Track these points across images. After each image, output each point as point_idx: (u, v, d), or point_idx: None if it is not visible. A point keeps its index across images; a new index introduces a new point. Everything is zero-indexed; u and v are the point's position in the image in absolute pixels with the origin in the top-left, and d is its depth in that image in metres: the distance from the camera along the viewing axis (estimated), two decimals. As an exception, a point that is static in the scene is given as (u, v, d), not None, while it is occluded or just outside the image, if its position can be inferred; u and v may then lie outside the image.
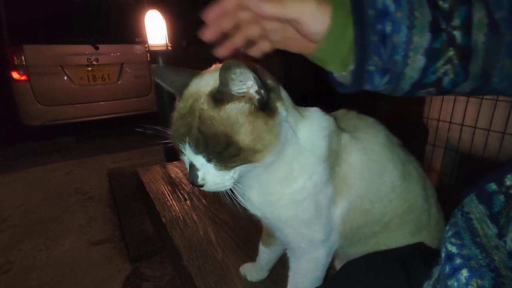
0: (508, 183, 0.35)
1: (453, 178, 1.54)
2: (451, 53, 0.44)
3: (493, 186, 0.37)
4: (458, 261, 0.36)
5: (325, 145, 0.55)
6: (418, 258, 0.54)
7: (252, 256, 0.87)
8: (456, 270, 0.35)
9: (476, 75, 0.45)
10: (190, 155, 0.49)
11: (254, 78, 0.45)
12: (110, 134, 3.83)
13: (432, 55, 0.44)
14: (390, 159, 0.62)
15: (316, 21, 0.45)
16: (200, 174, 0.49)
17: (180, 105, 0.51)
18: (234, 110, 0.46)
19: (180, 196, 1.35)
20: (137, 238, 1.71)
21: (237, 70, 0.43)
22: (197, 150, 0.47)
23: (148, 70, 3.77)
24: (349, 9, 0.44)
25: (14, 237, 1.82)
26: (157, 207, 1.24)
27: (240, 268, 0.86)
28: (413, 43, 0.44)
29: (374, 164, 0.60)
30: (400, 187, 0.62)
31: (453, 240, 0.39)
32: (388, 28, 0.44)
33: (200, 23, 0.51)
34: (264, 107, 0.47)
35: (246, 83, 0.45)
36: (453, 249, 0.37)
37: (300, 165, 0.54)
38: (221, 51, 0.53)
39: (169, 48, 2.07)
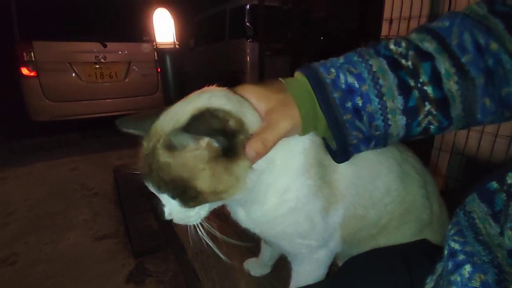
0: (509, 181, 0.35)
1: (458, 182, 1.53)
2: (427, 107, 0.46)
3: (494, 184, 0.37)
4: (461, 257, 0.36)
5: (302, 159, 0.53)
6: (421, 254, 0.55)
7: (255, 252, 0.87)
8: (459, 266, 0.35)
9: (459, 117, 0.47)
10: (155, 192, 0.50)
11: (210, 134, 0.44)
12: (116, 131, 3.82)
13: (410, 112, 0.46)
14: (384, 162, 0.61)
15: (296, 130, 0.49)
16: (166, 210, 0.50)
17: (144, 144, 0.50)
18: (192, 156, 0.45)
19: (185, 192, 1.36)
20: (141, 234, 1.72)
21: (176, 140, 0.44)
22: (159, 190, 0.48)
23: (155, 68, 3.80)
24: (314, 99, 0.48)
25: (20, 230, 1.85)
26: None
27: (244, 263, 0.87)
28: (388, 107, 0.46)
29: (365, 170, 0.59)
30: (397, 190, 0.61)
31: (455, 238, 0.39)
32: (359, 102, 0.46)
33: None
34: (227, 153, 0.46)
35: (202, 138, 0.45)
36: (456, 246, 0.38)
37: (278, 184, 0.53)
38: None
39: (177, 46, 2.08)
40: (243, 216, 0.59)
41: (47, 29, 3.32)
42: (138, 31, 3.69)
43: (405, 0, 1.58)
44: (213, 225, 1.10)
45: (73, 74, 3.40)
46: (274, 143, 0.46)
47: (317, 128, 0.50)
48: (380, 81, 0.46)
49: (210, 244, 0.57)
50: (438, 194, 0.70)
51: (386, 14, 1.68)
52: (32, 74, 3.19)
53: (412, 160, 0.66)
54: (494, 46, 0.43)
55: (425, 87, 0.45)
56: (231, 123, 0.46)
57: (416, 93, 0.46)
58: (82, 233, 1.82)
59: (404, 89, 0.46)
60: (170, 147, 0.45)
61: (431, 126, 0.48)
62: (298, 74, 0.51)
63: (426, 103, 0.46)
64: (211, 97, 0.49)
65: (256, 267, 0.84)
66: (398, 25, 1.62)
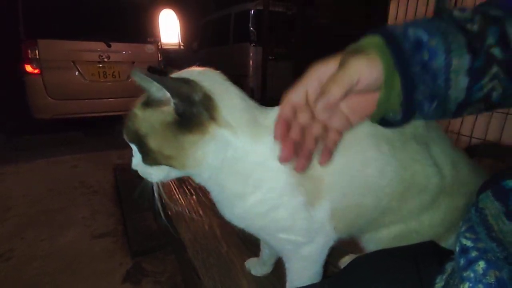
0: None
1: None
2: (495, 69, 0.43)
3: (510, 183, 0.36)
4: (474, 254, 0.35)
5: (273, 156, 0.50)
6: (429, 255, 0.53)
7: (256, 252, 0.86)
8: (472, 262, 0.34)
9: None
10: (127, 141, 0.54)
11: (156, 86, 0.45)
12: (118, 130, 3.83)
13: (476, 74, 0.43)
14: (372, 145, 0.56)
15: (371, 71, 0.44)
16: (133, 160, 0.54)
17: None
18: (153, 115, 0.48)
19: (187, 190, 1.35)
20: (140, 233, 1.71)
21: (137, 76, 0.45)
22: (128, 139, 0.53)
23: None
24: (385, 51, 0.44)
25: (18, 226, 1.83)
26: (163, 200, 1.24)
27: (245, 262, 0.86)
28: (452, 65, 0.43)
29: (353, 158, 0.55)
30: (391, 171, 0.56)
31: (467, 234, 0.38)
32: (426, 56, 0.43)
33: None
34: (185, 123, 0.47)
35: (161, 91, 0.46)
36: (468, 243, 0.37)
37: (256, 179, 0.53)
38: (301, 164, 0.48)
39: (182, 47, 2.09)
40: (228, 211, 0.58)
41: (52, 28, 3.33)
42: (143, 32, 3.71)
43: (410, 5, 1.59)
44: (213, 224, 1.09)
45: (77, 73, 3.40)
46: (343, 87, 0.43)
47: (394, 85, 0.45)
48: (450, 38, 0.43)
49: (158, 202, 0.59)
50: (451, 150, 0.62)
51: (391, 19, 1.69)
52: (36, 71, 3.20)
53: (411, 129, 0.59)
54: None
55: (491, 49, 0.43)
56: (197, 95, 0.48)
57: (483, 54, 0.43)
58: (80, 230, 1.81)
59: (472, 49, 0.43)
60: (146, 104, 0.50)
61: (494, 93, 0.45)
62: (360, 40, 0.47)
63: (494, 65, 0.43)
64: (199, 74, 0.52)
65: (257, 266, 0.83)
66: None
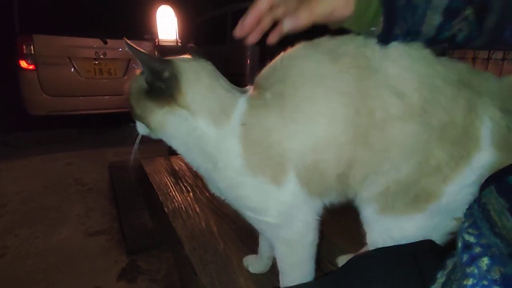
0: None
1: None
2: (468, 11, 0.47)
3: None
4: (477, 249, 0.35)
5: (236, 141, 0.55)
6: (428, 252, 0.53)
7: (254, 249, 0.85)
8: (475, 258, 0.34)
9: (489, 30, 0.48)
10: None
11: (146, 64, 0.55)
12: (113, 128, 3.83)
13: (450, 13, 0.47)
14: (321, 96, 0.52)
15: (346, 7, 0.49)
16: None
17: None
18: (138, 80, 0.59)
19: (183, 187, 1.34)
20: (135, 231, 1.69)
21: (127, 46, 0.54)
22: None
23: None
24: None
25: (12, 223, 1.81)
26: (160, 197, 1.23)
27: (243, 259, 0.85)
28: (432, 2, 0.47)
29: (302, 115, 0.53)
30: (341, 121, 0.52)
31: (470, 230, 0.38)
32: None
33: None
34: (151, 92, 0.57)
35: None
36: (471, 239, 0.36)
37: (214, 158, 0.57)
38: (252, 37, 0.59)
39: (179, 44, 2.08)
40: (209, 184, 0.65)
41: (48, 23, 3.29)
42: (140, 29, 3.67)
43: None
44: (210, 221, 1.08)
45: (72, 69, 3.37)
46: (312, 16, 0.50)
47: (366, 14, 0.50)
48: None
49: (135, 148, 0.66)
50: (419, 64, 0.51)
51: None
52: (30, 67, 3.16)
53: (365, 60, 0.52)
54: None
55: None
56: (166, 73, 0.55)
57: None
58: (75, 228, 1.79)
59: None
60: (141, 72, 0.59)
61: (461, 34, 0.48)
62: None
63: (469, 7, 0.47)
64: (185, 60, 0.60)
65: (255, 263, 0.82)
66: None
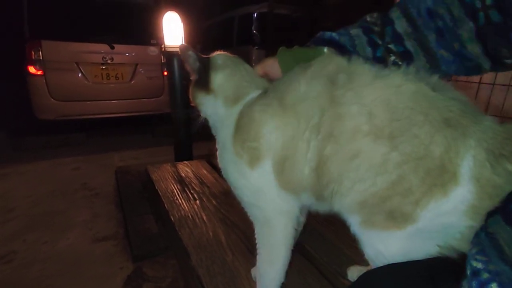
0: None
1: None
2: (393, 57, 0.64)
3: None
4: (485, 276, 0.35)
5: (232, 123, 0.70)
6: (445, 271, 0.52)
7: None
8: (484, 284, 0.34)
9: (426, 68, 0.59)
10: None
11: (193, 58, 0.75)
12: (120, 132, 3.85)
13: (378, 62, 0.62)
14: (298, 116, 0.61)
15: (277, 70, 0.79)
16: None
17: None
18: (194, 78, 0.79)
19: (190, 195, 1.33)
20: (141, 237, 1.68)
21: (182, 52, 0.74)
22: None
23: (161, 71, 3.80)
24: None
25: (20, 227, 1.82)
26: (165, 205, 1.22)
27: (251, 270, 0.84)
28: (360, 56, 0.63)
29: (297, 111, 0.61)
30: (306, 147, 0.59)
31: (478, 257, 0.38)
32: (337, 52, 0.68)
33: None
34: (198, 83, 0.76)
35: (196, 62, 0.76)
36: (479, 265, 0.36)
37: (223, 132, 0.73)
38: None
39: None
40: (219, 159, 0.77)
41: (56, 29, 3.34)
42: (146, 34, 3.70)
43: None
44: (218, 230, 1.07)
45: (80, 74, 3.40)
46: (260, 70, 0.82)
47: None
48: (355, 40, 0.68)
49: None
50: (380, 81, 0.55)
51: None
52: (39, 72, 3.20)
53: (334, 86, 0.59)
54: (442, 11, 0.57)
55: (389, 45, 0.64)
56: (201, 66, 0.75)
57: (382, 48, 0.64)
58: (81, 233, 1.79)
59: (372, 45, 0.65)
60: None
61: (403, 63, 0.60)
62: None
63: (391, 55, 0.64)
64: (220, 56, 0.79)
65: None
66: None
